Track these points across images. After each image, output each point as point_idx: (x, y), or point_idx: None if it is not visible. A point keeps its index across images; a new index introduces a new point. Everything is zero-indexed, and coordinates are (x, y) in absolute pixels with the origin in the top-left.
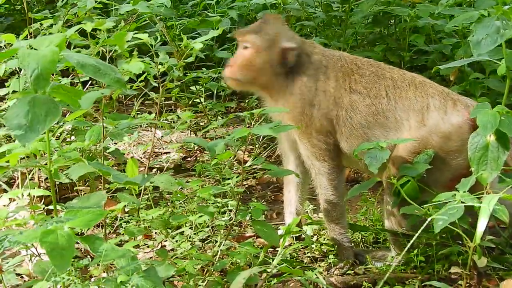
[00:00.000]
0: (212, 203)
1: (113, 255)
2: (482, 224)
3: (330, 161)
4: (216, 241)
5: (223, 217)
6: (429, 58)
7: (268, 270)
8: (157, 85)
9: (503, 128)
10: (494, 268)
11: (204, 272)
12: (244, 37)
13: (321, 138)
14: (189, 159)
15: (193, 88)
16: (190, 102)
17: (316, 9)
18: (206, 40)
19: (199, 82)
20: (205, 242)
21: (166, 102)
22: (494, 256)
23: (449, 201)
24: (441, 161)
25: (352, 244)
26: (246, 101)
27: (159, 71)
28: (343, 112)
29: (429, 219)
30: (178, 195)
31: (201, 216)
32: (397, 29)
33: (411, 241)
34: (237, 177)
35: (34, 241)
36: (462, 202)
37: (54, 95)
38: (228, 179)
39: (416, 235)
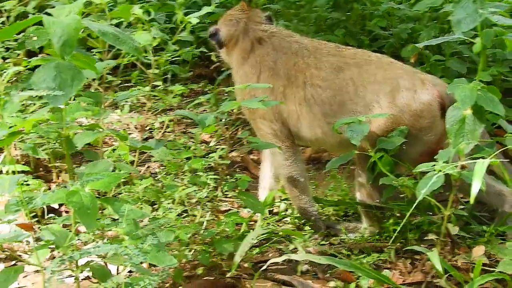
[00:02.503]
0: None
1: (134, 215)
2: (475, 187)
3: (279, 142)
4: (195, 215)
5: (201, 191)
6: (387, 41)
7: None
8: (149, 60)
9: (480, 102)
10: (463, 237)
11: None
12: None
13: (265, 123)
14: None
15: (149, 71)
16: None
17: None
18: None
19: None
20: (183, 216)
21: (126, 85)
22: (460, 226)
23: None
24: (412, 137)
25: (322, 217)
26: (201, 83)
27: (151, 46)
28: (295, 107)
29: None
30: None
31: (193, 186)
32: (359, 14)
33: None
34: (222, 150)
35: (60, 201)
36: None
37: (73, 61)
38: (212, 152)
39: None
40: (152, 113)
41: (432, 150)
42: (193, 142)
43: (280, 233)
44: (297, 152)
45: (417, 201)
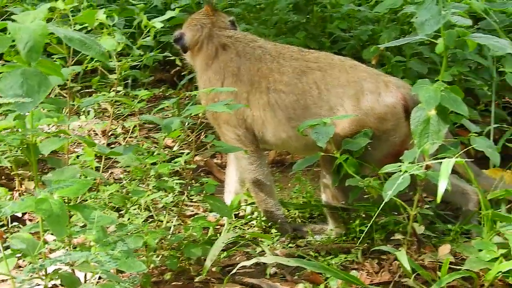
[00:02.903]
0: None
1: (103, 222)
2: (442, 186)
3: (244, 147)
4: (161, 221)
5: (167, 196)
6: (348, 43)
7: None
8: (113, 66)
9: (444, 103)
10: (429, 236)
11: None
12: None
13: (229, 128)
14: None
15: (111, 76)
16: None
17: None
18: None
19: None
20: (149, 222)
21: (87, 91)
22: (426, 226)
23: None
24: (377, 140)
25: (289, 220)
26: (161, 88)
27: (115, 51)
28: (260, 113)
29: None
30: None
31: (160, 191)
32: (319, 17)
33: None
34: (187, 155)
35: (29, 210)
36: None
37: (39, 68)
38: (177, 157)
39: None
40: (114, 119)
41: (396, 152)
42: (156, 147)
43: (247, 236)
44: (262, 157)
45: (383, 202)
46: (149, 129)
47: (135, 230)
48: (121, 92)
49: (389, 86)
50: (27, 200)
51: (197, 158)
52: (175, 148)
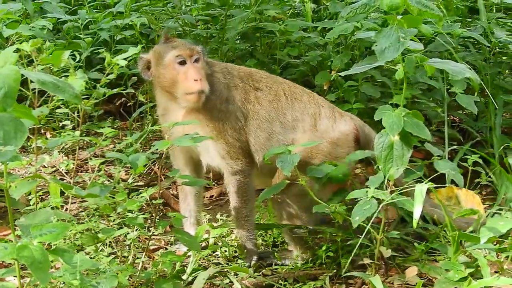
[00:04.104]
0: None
1: (85, 265)
2: (417, 211)
3: (243, 158)
4: (125, 256)
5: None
6: (298, 70)
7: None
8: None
9: (407, 128)
10: (393, 256)
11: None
12: (195, 50)
13: (235, 135)
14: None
15: (59, 110)
16: (60, 125)
17: (197, 26)
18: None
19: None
20: (112, 258)
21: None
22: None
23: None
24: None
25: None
26: (108, 120)
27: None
28: (251, 106)
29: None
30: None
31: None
32: (267, 44)
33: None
34: (153, 188)
35: (12, 257)
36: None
37: (12, 113)
38: (133, 190)
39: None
40: (73, 156)
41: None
42: (109, 181)
43: (226, 270)
44: (253, 174)
45: (351, 227)
46: (102, 163)
47: (107, 269)
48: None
49: (343, 115)
50: (9, 247)
51: (152, 189)
52: (130, 181)
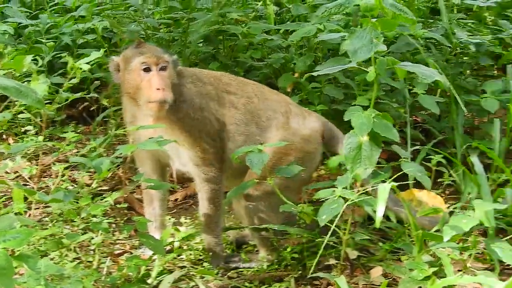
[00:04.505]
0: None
1: (50, 271)
2: (380, 210)
3: (217, 164)
4: (89, 261)
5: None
6: (261, 72)
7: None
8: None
9: (376, 129)
10: (358, 257)
11: None
12: (162, 58)
13: (211, 142)
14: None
15: (21, 115)
16: (22, 130)
17: (159, 30)
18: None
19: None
20: (77, 263)
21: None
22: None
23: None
24: (302, 161)
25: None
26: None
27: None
28: (226, 111)
29: None
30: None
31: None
32: (230, 46)
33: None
34: (118, 192)
35: None
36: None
37: None
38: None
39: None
40: (36, 161)
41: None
42: (73, 186)
43: (192, 273)
44: (224, 180)
45: (317, 228)
46: (65, 168)
47: (71, 275)
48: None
49: (311, 113)
50: None
51: (116, 194)
52: (93, 185)
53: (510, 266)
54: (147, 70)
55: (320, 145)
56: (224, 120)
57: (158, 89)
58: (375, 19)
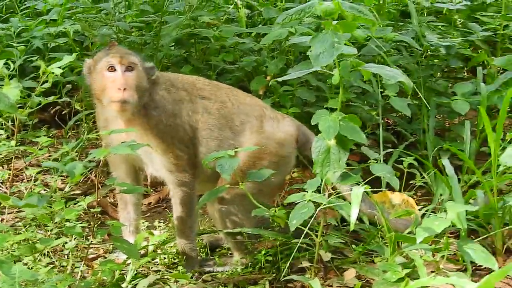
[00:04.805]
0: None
1: (24, 276)
2: (354, 213)
3: (190, 170)
4: (63, 266)
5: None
6: (233, 75)
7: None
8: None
9: (343, 132)
10: (332, 259)
11: None
12: (127, 59)
13: (183, 148)
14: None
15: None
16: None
17: (131, 33)
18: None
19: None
20: (50, 268)
21: None
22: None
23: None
24: (276, 165)
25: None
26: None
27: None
28: (200, 117)
29: None
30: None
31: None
32: (202, 50)
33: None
34: (91, 197)
35: None
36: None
37: None
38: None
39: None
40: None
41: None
42: (46, 190)
43: (167, 277)
44: (197, 185)
45: (289, 232)
46: (38, 172)
47: (45, 280)
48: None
49: (285, 117)
50: None
51: (89, 198)
52: (66, 190)
53: (482, 267)
54: (112, 69)
55: (294, 149)
56: (197, 126)
57: (120, 89)
58: (335, 22)
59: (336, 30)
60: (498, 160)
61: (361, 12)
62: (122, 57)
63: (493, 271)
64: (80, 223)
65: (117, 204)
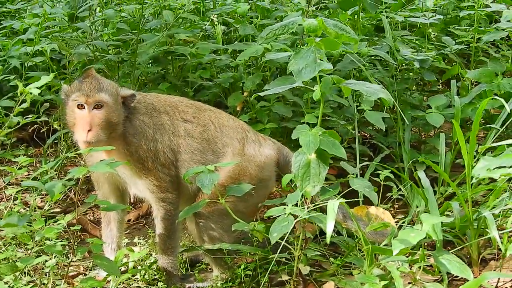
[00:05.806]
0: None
1: None
2: (330, 226)
3: (173, 191)
4: (43, 284)
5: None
6: (210, 92)
7: None
8: None
9: (323, 146)
10: (311, 272)
11: None
12: (94, 97)
13: (165, 171)
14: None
15: None
16: None
17: (108, 51)
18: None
19: None
20: (32, 286)
21: None
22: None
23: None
24: (255, 188)
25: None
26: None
27: None
28: (182, 140)
29: None
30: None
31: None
32: (179, 67)
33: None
34: (71, 215)
35: None
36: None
37: None
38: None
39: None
40: None
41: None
42: (25, 209)
43: None
44: (179, 205)
45: (270, 245)
46: (17, 191)
47: None
48: None
49: (266, 140)
50: None
51: (69, 216)
52: (46, 208)
53: (458, 278)
54: (81, 107)
55: (274, 172)
56: (179, 149)
57: (84, 130)
58: (319, 39)
59: (319, 46)
60: (472, 172)
61: (343, 30)
62: (88, 95)
63: (468, 281)
64: (60, 241)
65: (97, 221)
